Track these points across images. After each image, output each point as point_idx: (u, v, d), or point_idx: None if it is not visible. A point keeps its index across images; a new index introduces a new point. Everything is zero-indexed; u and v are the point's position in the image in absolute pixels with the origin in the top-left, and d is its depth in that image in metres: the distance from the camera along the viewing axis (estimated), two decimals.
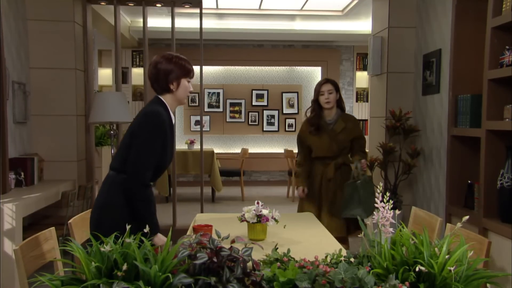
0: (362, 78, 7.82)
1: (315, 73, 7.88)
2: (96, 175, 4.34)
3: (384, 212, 1.28)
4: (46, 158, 3.86)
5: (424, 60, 3.74)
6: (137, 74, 7.40)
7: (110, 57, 7.20)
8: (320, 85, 2.94)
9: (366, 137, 8.03)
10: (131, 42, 6.98)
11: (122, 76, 5.63)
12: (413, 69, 3.98)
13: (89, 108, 3.93)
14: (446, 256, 1.12)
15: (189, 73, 1.98)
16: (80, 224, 1.98)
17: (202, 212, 4.46)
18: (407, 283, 1.08)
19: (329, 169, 2.93)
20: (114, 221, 1.86)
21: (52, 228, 1.72)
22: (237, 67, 7.81)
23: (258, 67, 7.82)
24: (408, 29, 3.98)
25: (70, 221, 1.91)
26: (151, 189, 1.92)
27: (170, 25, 4.37)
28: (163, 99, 1.98)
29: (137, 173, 1.85)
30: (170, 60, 1.97)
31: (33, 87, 3.86)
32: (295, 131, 7.79)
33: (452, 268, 1.08)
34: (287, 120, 7.86)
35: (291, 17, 6.64)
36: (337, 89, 2.93)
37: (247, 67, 7.82)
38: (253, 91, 7.81)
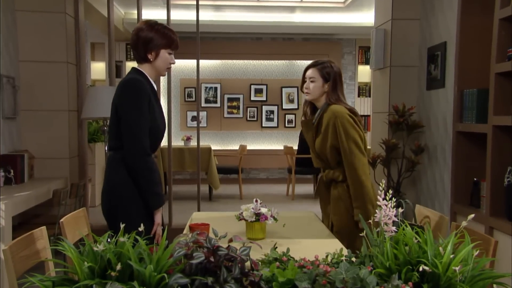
0: (364, 72, 7.82)
1: None
2: (89, 173, 4.34)
3: (386, 210, 1.28)
4: (36, 155, 3.85)
5: (429, 54, 3.73)
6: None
7: (103, 50, 7.18)
8: (304, 69, 2.28)
9: (368, 133, 7.95)
10: (125, 34, 6.96)
11: (115, 70, 5.61)
12: (417, 62, 3.98)
13: (82, 103, 3.92)
14: (451, 256, 1.12)
15: (170, 44, 1.97)
16: (72, 223, 1.98)
17: (199, 210, 4.47)
18: (410, 283, 1.08)
19: (319, 184, 2.35)
20: (121, 198, 1.90)
21: (43, 227, 1.71)
22: (235, 61, 7.80)
23: (257, 61, 7.81)
24: (412, 21, 3.98)
25: (61, 220, 1.91)
26: (152, 158, 1.93)
27: (165, 17, 4.36)
28: (141, 69, 1.98)
29: (134, 142, 1.86)
30: (152, 27, 1.96)
31: (23, 81, 3.85)
32: (295, 127, 7.79)
33: (457, 268, 1.08)
34: (286, 115, 7.85)
35: (291, 8, 6.62)
36: (325, 76, 2.18)
37: (245, 61, 7.81)
38: (252, 86, 7.80)
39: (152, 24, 1.97)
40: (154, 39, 1.94)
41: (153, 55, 1.96)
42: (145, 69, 1.99)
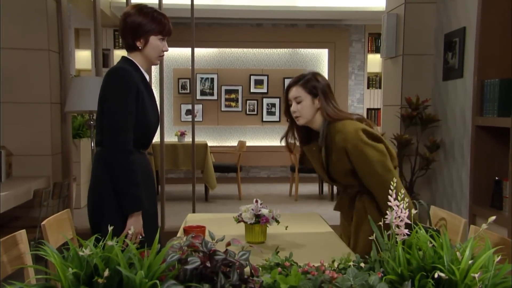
0: (374, 62, 7.81)
1: (321, 56, 7.86)
2: (73, 171, 4.34)
3: (398, 212, 1.28)
4: (15, 152, 3.85)
5: (446, 40, 3.73)
6: (120, 57, 7.36)
7: (88, 37, 7.17)
8: (285, 90, 2.12)
9: (379, 128, 8.04)
10: (113, 20, 6.94)
11: (102, 59, 5.60)
12: (432, 50, 3.97)
13: (65, 95, 3.92)
14: (470, 261, 1.12)
15: (162, 30, 1.96)
16: (55, 226, 1.98)
17: (194, 212, 4.47)
18: None
19: (342, 196, 2.20)
20: (107, 197, 1.90)
21: (23, 231, 1.71)
22: (233, 49, 7.79)
23: (257, 49, 7.80)
24: (427, 5, 3.97)
25: (43, 222, 1.91)
26: (133, 156, 1.91)
27: (157, 1, 4.34)
28: (131, 58, 1.98)
29: (112, 137, 1.86)
30: (140, 11, 1.94)
31: (0, 70, 3.84)
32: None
33: (476, 275, 1.08)
34: None
35: None
36: (312, 90, 2.02)
37: (245, 49, 7.79)
38: (251, 77, 7.80)
39: (141, 8, 1.96)
40: (142, 24, 1.93)
41: (142, 42, 1.95)
42: (135, 58, 1.98)
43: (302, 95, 2.02)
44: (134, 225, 1.86)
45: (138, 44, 1.95)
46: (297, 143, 2.23)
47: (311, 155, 2.12)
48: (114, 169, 1.87)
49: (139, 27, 1.93)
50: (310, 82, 2.03)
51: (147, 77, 2.03)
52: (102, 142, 1.92)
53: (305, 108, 2.01)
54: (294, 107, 2.03)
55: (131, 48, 1.98)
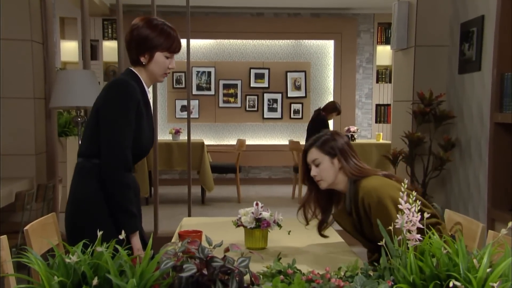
0: (384, 54, 7.80)
1: (327, 48, 7.86)
2: (59, 172, 4.34)
3: (410, 215, 1.29)
4: None
5: (462, 30, 3.72)
6: (109, 49, 7.37)
7: (75, 26, 7.16)
8: (302, 155, 2.15)
9: (388, 125, 7.97)
10: (102, 8, 6.93)
11: (90, 51, 5.59)
12: (447, 41, 3.97)
13: (50, 90, 3.92)
14: (488, 270, 1.12)
15: (169, 46, 1.95)
16: (39, 231, 1.98)
17: (189, 215, 4.48)
18: None
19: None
20: (89, 217, 1.90)
21: (4, 237, 1.71)
22: (231, 41, 7.78)
23: (258, 40, 7.79)
24: None
25: (26, 227, 1.91)
26: (131, 174, 1.94)
27: None
28: (136, 72, 1.98)
29: (115, 154, 1.86)
30: (149, 24, 1.94)
31: None
32: (302, 118, 7.80)
33: (495, 285, 1.08)
34: (292, 105, 7.85)
35: None
36: (329, 150, 2.04)
37: (244, 41, 7.79)
38: (252, 70, 7.80)
39: (150, 20, 1.95)
40: (149, 38, 1.92)
41: (146, 57, 1.94)
42: (140, 72, 1.98)
43: (319, 157, 2.04)
44: (137, 242, 1.88)
45: (142, 59, 1.95)
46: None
47: (342, 220, 2.10)
48: (114, 187, 1.86)
49: (145, 41, 1.92)
50: (326, 142, 2.05)
51: (149, 95, 2.03)
52: (96, 155, 1.90)
53: (325, 171, 2.03)
54: (313, 170, 2.05)
55: (135, 62, 1.98)
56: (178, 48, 1.99)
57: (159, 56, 1.94)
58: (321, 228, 2.17)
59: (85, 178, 1.93)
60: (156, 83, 4.61)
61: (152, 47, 1.93)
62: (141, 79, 1.98)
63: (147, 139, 2.00)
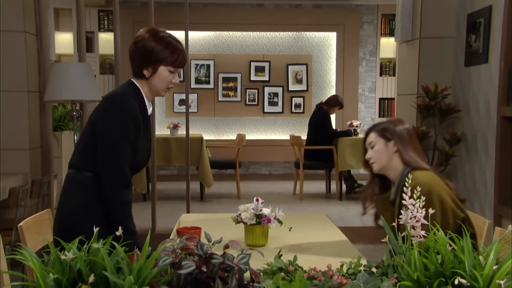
0: (387, 46, 7.79)
1: (329, 40, 7.85)
2: (54, 167, 4.34)
3: (414, 211, 1.29)
4: None
5: (469, 21, 3.71)
6: (106, 41, 7.35)
7: (70, 18, 7.15)
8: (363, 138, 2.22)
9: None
10: None
11: (86, 43, 5.58)
12: (453, 33, 3.96)
13: (44, 83, 3.91)
14: (494, 267, 1.12)
15: (174, 61, 1.94)
16: (33, 228, 1.98)
17: (188, 212, 4.48)
18: None
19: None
20: (77, 230, 1.87)
21: None
22: (231, 33, 7.77)
23: (258, 32, 7.78)
24: None
25: (20, 224, 1.91)
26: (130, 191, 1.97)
27: None
28: (137, 84, 1.97)
29: (114, 174, 1.87)
30: (155, 36, 1.93)
31: None
32: (303, 112, 7.79)
33: (502, 282, 1.08)
34: (293, 99, 7.85)
35: None
36: (384, 133, 2.07)
37: (244, 33, 7.78)
38: (252, 63, 7.78)
39: (156, 32, 1.94)
40: (154, 52, 1.91)
41: (149, 71, 1.93)
42: (142, 85, 1.97)
43: (374, 139, 2.08)
44: None
45: (145, 72, 1.94)
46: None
47: (382, 206, 2.10)
48: (115, 205, 1.88)
49: (149, 54, 1.91)
50: (384, 126, 2.09)
51: (149, 110, 2.02)
52: (88, 169, 1.91)
53: (378, 153, 2.05)
54: (368, 153, 2.09)
55: (137, 74, 1.97)
56: (183, 63, 1.98)
57: (163, 70, 1.93)
58: (364, 210, 2.17)
59: (75, 190, 1.93)
60: None
61: (156, 61, 1.92)
62: (142, 92, 1.97)
63: (143, 155, 2.01)
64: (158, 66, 1.92)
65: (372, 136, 2.09)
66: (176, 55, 1.94)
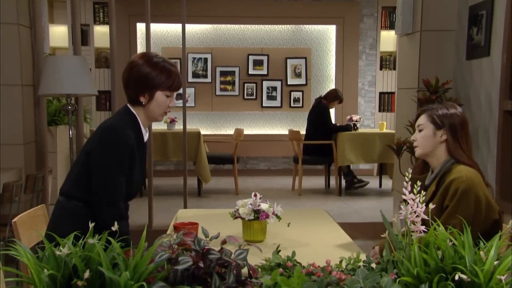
0: (388, 39, 7.77)
1: (328, 33, 7.83)
2: (49, 162, 4.34)
3: (414, 206, 1.29)
4: None
5: (471, 14, 3.71)
6: (101, 34, 7.32)
7: (64, 10, 7.12)
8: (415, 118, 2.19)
9: (392, 114, 7.94)
10: None
11: (81, 36, 5.55)
12: (455, 25, 3.96)
13: (39, 77, 3.90)
14: (495, 262, 1.12)
15: (170, 85, 1.94)
16: (28, 224, 1.99)
17: (185, 208, 4.48)
18: None
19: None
20: None
21: None
22: (229, 26, 7.74)
23: (256, 25, 7.76)
24: None
25: (14, 219, 1.92)
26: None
27: None
28: (133, 111, 1.97)
29: (107, 205, 1.89)
30: (149, 61, 1.93)
31: None
32: (302, 107, 7.78)
33: (502, 278, 1.09)
34: (292, 93, 7.84)
35: None
36: (436, 122, 2.01)
37: (242, 26, 7.75)
38: (250, 57, 7.77)
39: (149, 57, 1.94)
40: (149, 78, 1.91)
41: (146, 97, 1.94)
42: (138, 112, 1.97)
43: (425, 123, 2.03)
44: None
45: (142, 99, 1.94)
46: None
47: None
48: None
49: (145, 80, 1.92)
50: (438, 111, 2.02)
51: (145, 137, 2.03)
52: (78, 198, 1.92)
53: (424, 138, 2.01)
54: (414, 135, 2.06)
55: (133, 102, 1.97)
56: (179, 86, 1.98)
57: (159, 95, 1.94)
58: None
59: (64, 219, 1.94)
60: None
61: (153, 87, 1.92)
62: (139, 120, 1.97)
63: (137, 183, 2.02)
64: (155, 91, 1.93)
65: (423, 119, 2.04)
66: (172, 79, 1.94)
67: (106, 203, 1.89)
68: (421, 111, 2.08)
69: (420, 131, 2.03)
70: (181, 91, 4.60)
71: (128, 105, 1.99)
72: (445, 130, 1.99)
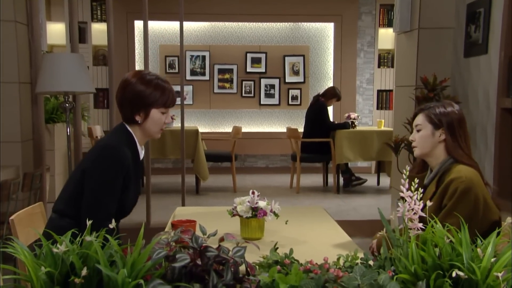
0: (386, 37, 7.77)
1: (326, 31, 7.83)
2: (47, 160, 4.33)
3: (411, 204, 1.29)
4: None
5: (469, 11, 3.71)
6: (99, 31, 7.31)
7: (62, 7, 7.10)
8: (412, 117, 2.18)
9: (390, 112, 7.95)
10: None
11: (79, 33, 5.54)
12: (453, 23, 3.96)
13: (36, 74, 3.90)
14: (492, 259, 1.12)
15: (165, 102, 1.95)
16: (25, 221, 1.98)
17: (183, 205, 4.48)
18: None
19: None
20: None
21: None
22: (227, 23, 7.74)
23: (254, 23, 7.75)
24: None
25: (12, 217, 1.91)
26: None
27: None
28: (130, 129, 1.97)
29: (93, 225, 1.86)
30: (142, 79, 1.93)
31: None
32: (300, 104, 7.78)
33: (499, 274, 1.09)
34: (290, 91, 7.84)
35: None
36: (434, 121, 2.00)
37: (240, 23, 7.75)
38: (248, 54, 7.76)
39: (142, 75, 1.94)
40: (144, 96, 1.91)
41: (142, 116, 1.94)
42: (134, 130, 1.97)
43: (423, 124, 2.02)
44: None
45: (137, 118, 1.94)
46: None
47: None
48: None
49: (139, 99, 1.91)
50: (435, 109, 2.01)
51: (141, 155, 2.02)
52: (71, 216, 1.91)
53: (423, 138, 2.01)
54: (413, 135, 2.05)
55: (129, 120, 1.96)
56: (173, 102, 1.99)
57: (155, 113, 1.94)
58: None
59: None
60: (148, 68, 4.59)
61: (147, 105, 1.92)
62: (135, 138, 1.97)
63: (131, 202, 2.01)
64: (150, 109, 1.93)
65: (421, 119, 2.03)
66: (166, 95, 1.94)
67: (93, 224, 1.88)
68: (419, 110, 2.07)
69: (418, 131, 2.02)
70: (179, 88, 4.60)
71: (124, 123, 1.98)
72: (444, 130, 1.98)
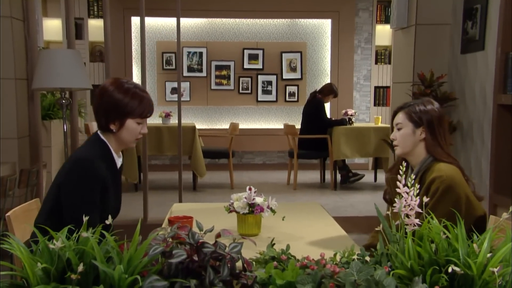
0: (383, 34, 7.77)
1: (324, 27, 7.82)
2: (43, 157, 4.32)
3: (408, 199, 1.29)
4: None
5: (465, 7, 3.71)
6: (95, 27, 7.28)
7: (58, 3, 7.07)
8: (391, 116, 2.19)
9: (387, 108, 7.94)
10: None
11: (75, 30, 5.53)
12: (450, 19, 3.96)
13: (32, 70, 3.88)
14: (488, 255, 1.13)
15: (141, 112, 1.91)
16: (22, 218, 1.98)
17: (180, 202, 4.48)
18: (437, 287, 1.10)
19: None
20: None
21: None
22: (224, 20, 7.72)
23: (251, 19, 7.74)
24: None
25: (8, 214, 1.91)
26: None
27: None
28: (104, 139, 1.93)
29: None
30: (120, 87, 1.89)
31: None
32: (297, 101, 7.78)
33: (495, 270, 1.09)
34: (287, 87, 7.83)
35: None
36: (415, 120, 2.01)
37: (237, 20, 7.73)
38: (245, 51, 7.75)
39: (120, 84, 1.90)
40: (120, 105, 1.87)
41: (116, 125, 1.90)
42: (109, 139, 1.93)
43: (403, 122, 2.03)
44: None
45: (112, 127, 1.90)
46: None
47: (394, 186, 2.07)
48: None
49: (116, 107, 1.88)
50: (416, 108, 2.02)
51: (118, 163, 1.99)
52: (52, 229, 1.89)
53: (404, 137, 2.01)
54: (393, 134, 2.05)
55: (104, 129, 1.93)
56: (151, 113, 1.95)
57: (130, 123, 1.90)
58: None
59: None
60: (145, 65, 4.59)
61: (123, 114, 1.88)
62: (110, 147, 1.94)
63: (112, 209, 1.97)
64: (126, 119, 1.89)
65: (401, 117, 2.04)
66: (143, 105, 1.90)
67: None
68: (398, 109, 2.07)
69: (399, 129, 2.03)
70: (176, 85, 4.60)
71: (98, 132, 1.95)
72: (424, 128, 1.99)
